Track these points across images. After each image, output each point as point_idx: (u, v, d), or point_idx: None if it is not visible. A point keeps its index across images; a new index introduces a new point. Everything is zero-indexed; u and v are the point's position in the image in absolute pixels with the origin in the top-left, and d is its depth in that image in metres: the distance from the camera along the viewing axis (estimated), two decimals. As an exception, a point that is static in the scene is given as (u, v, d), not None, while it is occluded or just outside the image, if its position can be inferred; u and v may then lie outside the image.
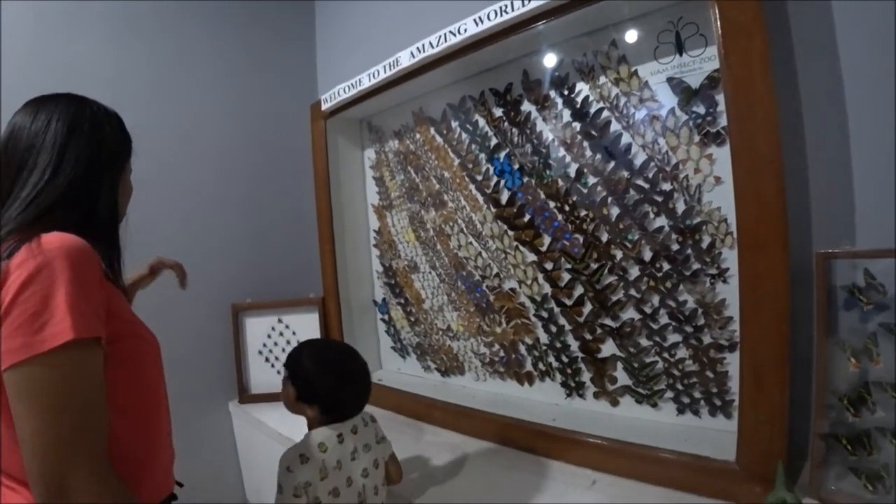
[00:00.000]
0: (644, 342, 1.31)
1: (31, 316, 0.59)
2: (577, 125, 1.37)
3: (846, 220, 1.02)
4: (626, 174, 1.28)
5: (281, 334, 2.02)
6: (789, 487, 0.91)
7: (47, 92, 0.80)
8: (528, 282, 1.52)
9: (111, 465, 0.63)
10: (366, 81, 1.69)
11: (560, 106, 1.40)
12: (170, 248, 1.87)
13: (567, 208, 1.40)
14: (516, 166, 1.51)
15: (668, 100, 1.21)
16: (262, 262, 2.16)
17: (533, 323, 1.54)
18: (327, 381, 1.04)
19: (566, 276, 1.43)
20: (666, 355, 1.28)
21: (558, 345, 1.48)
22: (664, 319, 1.27)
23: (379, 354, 2.10)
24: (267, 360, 2.02)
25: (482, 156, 1.61)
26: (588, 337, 1.42)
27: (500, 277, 1.61)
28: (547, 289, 1.48)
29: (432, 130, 1.75)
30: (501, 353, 1.65)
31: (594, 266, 1.37)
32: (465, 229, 1.69)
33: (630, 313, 1.33)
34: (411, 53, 1.51)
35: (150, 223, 1.83)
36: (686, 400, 1.26)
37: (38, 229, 0.65)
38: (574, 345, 1.45)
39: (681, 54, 1.18)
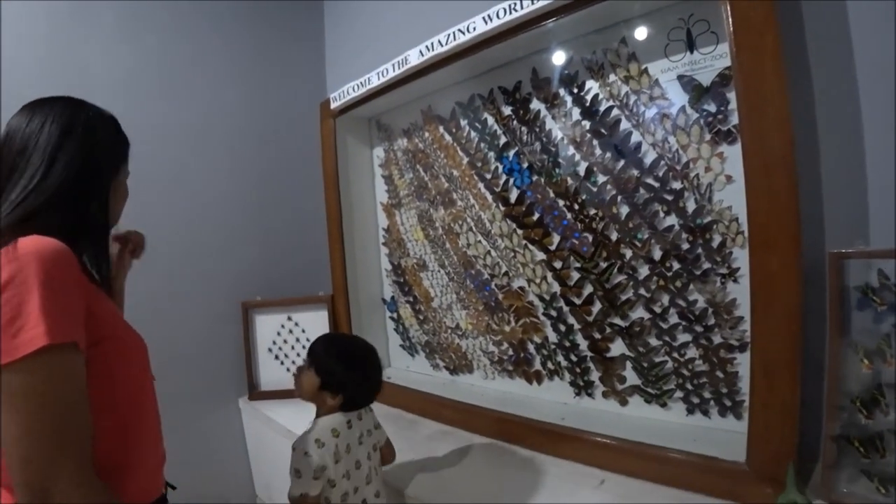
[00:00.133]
0: (653, 342, 1.30)
1: (7, 322, 0.59)
2: (586, 123, 1.36)
3: (860, 220, 1.01)
4: (635, 173, 1.27)
5: (290, 332, 2.03)
6: (800, 489, 0.91)
7: (61, 92, 0.81)
8: (537, 280, 1.52)
9: (95, 469, 0.63)
10: (374, 80, 1.69)
11: (569, 104, 1.39)
12: (180, 246, 1.91)
13: (576, 207, 1.39)
14: (525, 165, 1.51)
15: (678, 98, 1.20)
16: (272, 259, 2.17)
17: (542, 322, 1.54)
18: (354, 373, 1.11)
19: (575, 275, 1.43)
20: (676, 355, 1.27)
21: (567, 344, 1.48)
22: (674, 319, 1.26)
23: (388, 352, 2.11)
24: (276, 357, 2.03)
25: (491, 154, 1.60)
26: (597, 336, 1.41)
27: (509, 276, 1.61)
28: (556, 287, 1.48)
29: (441, 129, 1.75)
30: (510, 352, 1.65)
31: (603, 265, 1.36)
32: (473, 228, 1.69)
33: (639, 313, 1.32)
34: (420, 52, 1.51)
35: (161, 221, 1.86)
36: (696, 400, 1.26)
37: (25, 232, 0.65)
38: (583, 344, 1.45)
39: (692, 52, 1.17)
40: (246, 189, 2.11)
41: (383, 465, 1.22)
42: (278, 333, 2.04)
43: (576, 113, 1.38)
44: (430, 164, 1.81)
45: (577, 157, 1.39)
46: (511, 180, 1.55)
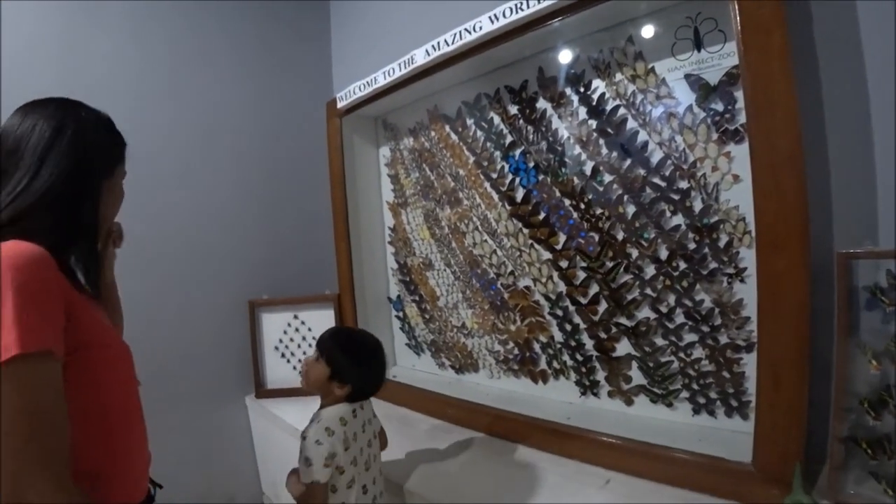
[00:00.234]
0: (659, 341, 1.30)
1: None
2: (592, 122, 1.36)
3: (869, 220, 1.00)
4: (642, 172, 1.27)
5: (297, 330, 2.04)
6: (807, 490, 0.90)
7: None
8: (543, 280, 1.52)
9: (75, 476, 0.63)
10: (381, 79, 1.69)
11: (576, 103, 1.39)
12: (188, 245, 1.92)
13: (582, 206, 1.39)
14: (531, 164, 1.50)
15: (685, 97, 1.20)
16: (279, 258, 2.19)
17: (547, 321, 1.54)
18: (364, 366, 1.15)
19: (581, 275, 1.43)
20: (682, 355, 1.26)
21: (573, 343, 1.48)
22: (680, 319, 1.26)
23: (394, 351, 2.12)
24: (283, 355, 2.04)
25: (497, 153, 1.60)
26: (603, 336, 1.41)
27: (515, 275, 1.61)
28: (562, 287, 1.48)
29: (447, 128, 1.75)
30: (516, 351, 1.65)
31: (609, 264, 1.36)
32: (479, 227, 1.69)
33: (645, 312, 1.32)
34: (426, 51, 1.51)
35: (169, 220, 1.88)
36: (702, 400, 1.25)
37: (14, 234, 0.65)
38: (589, 343, 1.45)
39: (699, 50, 1.17)
40: (253, 188, 2.12)
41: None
42: (285, 332, 2.05)
43: (582, 112, 1.38)
44: (436, 163, 1.81)
45: (584, 156, 1.38)
46: (517, 179, 1.55)
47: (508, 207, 1.58)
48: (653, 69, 1.24)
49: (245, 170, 2.10)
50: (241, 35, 2.09)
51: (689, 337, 1.25)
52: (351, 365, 1.13)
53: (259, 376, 2.03)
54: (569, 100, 1.41)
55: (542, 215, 1.50)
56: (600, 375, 1.44)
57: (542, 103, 1.47)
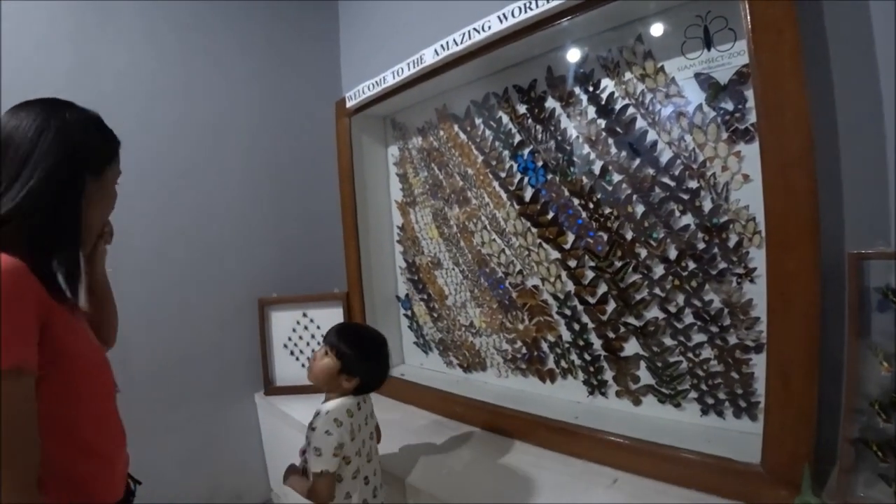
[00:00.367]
0: (668, 341, 1.30)
1: None
2: (601, 122, 1.35)
3: (880, 220, 0.99)
4: (651, 171, 1.27)
5: (306, 328, 2.05)
6: (816, 492, 0.90)
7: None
8: (551, 279, 1.52)
9: (54, 483, 0.64)
10: (390, 79, 1.70)
11: (584, 102, 1.39)
12: (197, 244, 1.94)
13: (591, 206, 1.39)
14: (540, 163, 1.50)
15: (695, 96, 1.19)
16: (288, 257, 2.20)
17: (555, 320, 1.54)
18: (372, 360, 1.20)
19: (590, 274, 1.43)
20: (690, 355, 1.26)
21: (581, 343, 1.48)
22: (689, 319, 1.25)
23: (402, 349, 2.12)
24: (292, 353, 2.06)
25: (506, 153, 1.60)
26: (611, 335, 1.41)
27: (523, 274, 1.61)
28: (570, 286, 1.48)
29: (456, 127, 1.76)
30: (523, 350, 1.65)
31: (618, 264, 1.36)
32: (488, 226, 1.69)
33: (654, 312, 1.31)
34: (435, 51, 1.51)
35: (179, 219, 1.90)
36: (710, 401, 1.25)
37: None
38: (597, 343, 1.45)
39: (709, 49, 1.16)
40: (262, 187, 2.14)
41: None
42: (294, 330, 2.06)
43: (591, 111, 1.37)
44: (444, 162, 1.82)
45: (592, 155, 1.38)
46: (526, 179, 1.55)
47: (517, 207, 1.58)
48: (662, 68, 1.24)
49: (254, 169, 2.12)
50: (249, 35, 2.11)
51: (698, 337, 1.24)
52: (360, 359, 1.16)
53: (268, 374, 2.05)
54: (577, 99, 1.40)
55: (550, 215, 1.50)
56: (608, 375, 1.44)
57: (550, 102, 1.47)
